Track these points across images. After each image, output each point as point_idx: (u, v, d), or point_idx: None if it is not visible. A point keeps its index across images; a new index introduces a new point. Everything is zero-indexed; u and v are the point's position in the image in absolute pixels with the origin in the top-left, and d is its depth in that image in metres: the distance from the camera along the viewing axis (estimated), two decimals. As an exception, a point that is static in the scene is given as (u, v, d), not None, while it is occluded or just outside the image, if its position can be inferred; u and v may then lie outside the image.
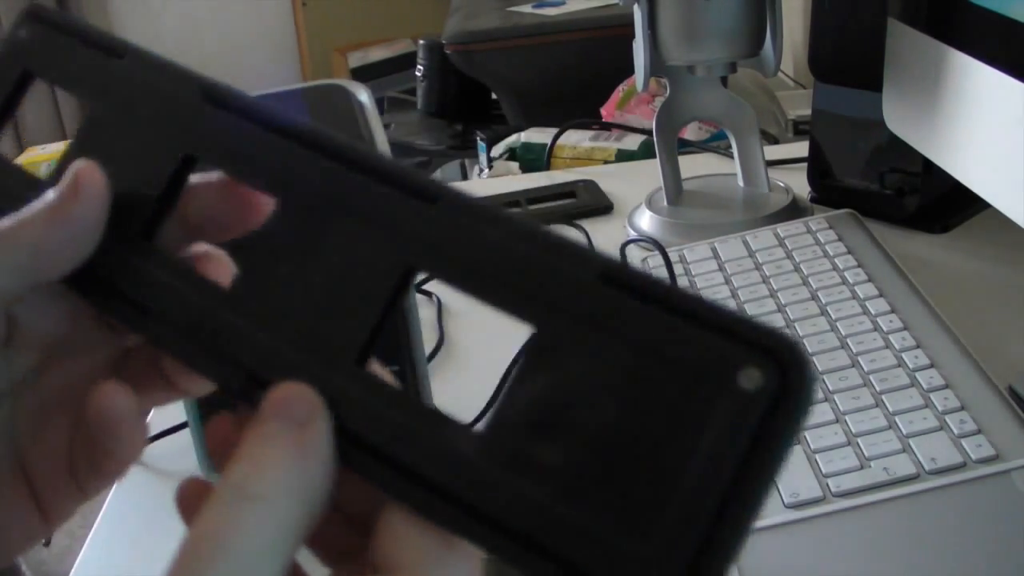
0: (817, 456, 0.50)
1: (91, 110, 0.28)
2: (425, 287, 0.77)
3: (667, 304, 0.21)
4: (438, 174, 2.09)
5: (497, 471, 0.21)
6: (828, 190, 0.82)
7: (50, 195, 0.25)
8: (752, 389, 0.20)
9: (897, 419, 0.52)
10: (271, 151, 0.26)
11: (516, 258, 0.23)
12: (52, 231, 0.25)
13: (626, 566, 0.20)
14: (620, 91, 1.36)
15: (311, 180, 0.25)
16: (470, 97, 2.08)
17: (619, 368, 0.21)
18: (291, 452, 0.22)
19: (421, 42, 2.16)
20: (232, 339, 0.24)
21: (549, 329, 0.22)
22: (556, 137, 1.17)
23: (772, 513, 0.47)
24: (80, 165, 0.26)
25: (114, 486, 0.58)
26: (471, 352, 0.70)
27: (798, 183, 0.84)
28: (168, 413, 0.60)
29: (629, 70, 0.82)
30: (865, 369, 0.56)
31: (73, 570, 0.52)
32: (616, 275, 0.22)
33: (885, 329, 0.60)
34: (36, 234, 0.25)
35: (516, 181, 1.02)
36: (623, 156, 1.13)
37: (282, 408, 0.22)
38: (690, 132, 1.13)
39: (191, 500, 0.24)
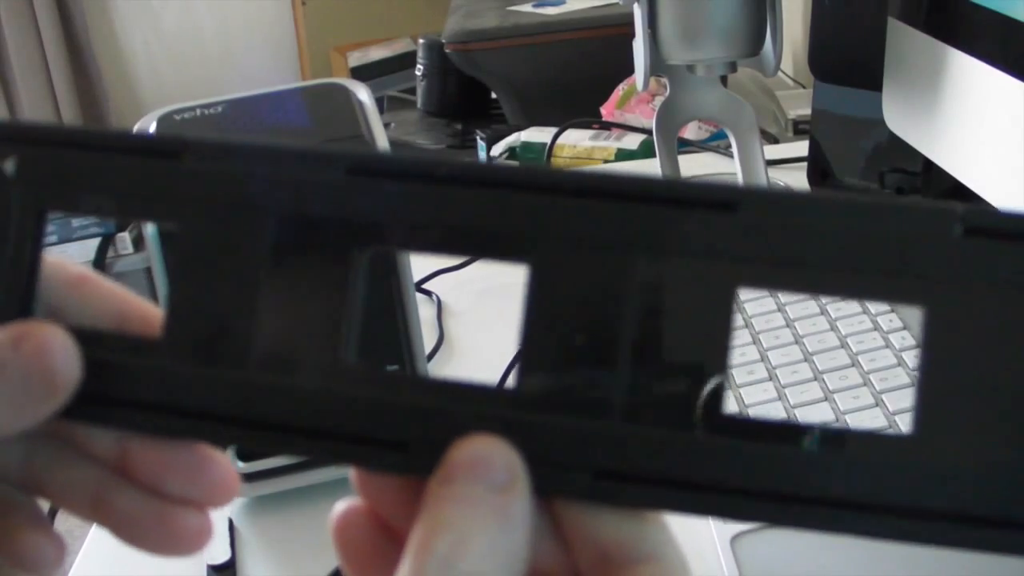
0: (817, 456, 0.50)
1: (174, 238, 0.23)
2: (425, 286, 0.77)
3: None
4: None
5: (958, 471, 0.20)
6: (828, 190, 0.82)
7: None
8: None
9: (897, 418, 0.52)
10: (492, 210, 0.21)
11: (859, 239, 0.20)
12: None
13: None
14: (620, 90, 1.36)
15: (569, 229, 0.21)
16: (470, 96, 2.08)
17: None
18: (495, 523, 0.20)
19: (421, 41, 2.16)
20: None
21: (940, 305, 0.20)
22: (556, 136, 1.17)
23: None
24: (50, 340, 0.22)
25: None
26: (471, 351, 0.70)
27: (798, 183, 0.84)
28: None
29: (629, 69, 0.82)
30: (865, 368, 0.56)
31: (72, 570, 0.52)
32: (979, 222, 0.20)
33: (885, 328, 0.60)
34: None
35: (516, 180, 1.02)
36: (623, 155, 1.13)
37: (475, 471, 0.20)
38: (690, 131, 1.13)
39: (353, 535, 0.22)
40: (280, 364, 0.22)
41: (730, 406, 0.21)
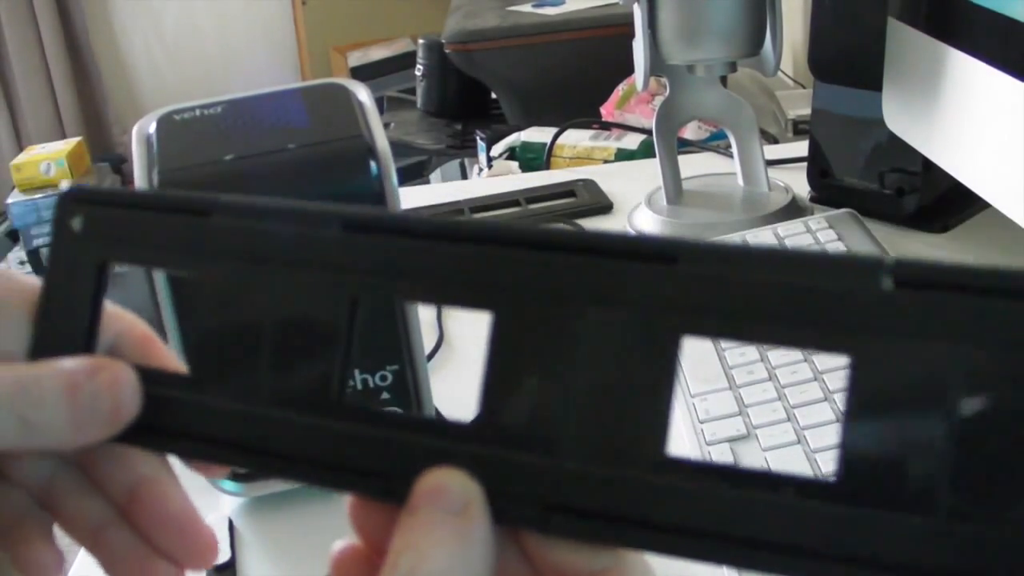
0: (816, 456, 0.50)
1: (197, 282, 0.27)
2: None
3: (975, 288, 0.19)
4: (438, 173, 2.09)
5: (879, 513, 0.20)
6: (828, 189, 0.82)
7: (81, 380, 0.25)
8: None
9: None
10: (461, 262, 0.24)
11: (792, 292, 0.21)
12: (54, 417, 0.25)
13: None
14: (620, 90, 1.36)
15: (527, 280, 0.23)
16: (470, 96, 2.08)
17: (964, 372, 0.19)
18: (452, 542, 0.22)
19: (421, 41, 2.16)
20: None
21: (867, 356, 0.20)
22: (556, 136, 1.17)
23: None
24: (118, 377, 0.25)
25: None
26: (471, 352, 0.70)
27: (798, 183, 0.84)
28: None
29: (629, 69, 0.82)
30: (865, 369, 0.56)
31: (72, 569, 0.52)
32: (910, 274, 0.20)
33: (885, 329, 0.60)
34: (32, 411, 0.24)
35: (516, 180, 1.02)
36: (623, 155, 1.13)
37: (435, 498, 0.23)
38: (690, 131, 1.13)
39: (348, 569, 0.25)
40: (282, 400, 0.25)
41: (674, 448, 0.22)
